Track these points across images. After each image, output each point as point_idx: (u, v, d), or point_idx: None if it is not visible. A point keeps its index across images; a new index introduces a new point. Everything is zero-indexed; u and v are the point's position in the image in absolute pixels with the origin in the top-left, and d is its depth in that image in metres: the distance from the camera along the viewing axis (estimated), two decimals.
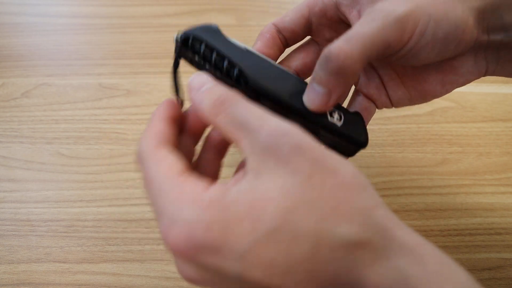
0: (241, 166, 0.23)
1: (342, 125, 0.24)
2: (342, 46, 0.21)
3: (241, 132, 0.19)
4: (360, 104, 0.29)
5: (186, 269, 0.19)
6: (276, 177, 0.17)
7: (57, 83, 0.46)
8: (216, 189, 0.18)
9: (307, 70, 0.29)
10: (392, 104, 0.29)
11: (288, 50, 0.30)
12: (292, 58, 0.29)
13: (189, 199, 0.17)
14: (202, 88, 0.20)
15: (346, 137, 0.24)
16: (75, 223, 0.36)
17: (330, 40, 0.28)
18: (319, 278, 0.17)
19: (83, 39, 0.52)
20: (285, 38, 0.28)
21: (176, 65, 0.25)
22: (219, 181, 0.21)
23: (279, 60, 0.29)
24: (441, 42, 0.23)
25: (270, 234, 0.17)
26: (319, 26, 0.28)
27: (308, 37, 0.30)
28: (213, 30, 0.25)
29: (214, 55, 0.24)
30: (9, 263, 0.33)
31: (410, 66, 0.27)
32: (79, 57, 0.49)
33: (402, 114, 0.44)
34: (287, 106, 0.23)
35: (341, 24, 0.28)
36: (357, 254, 0.17)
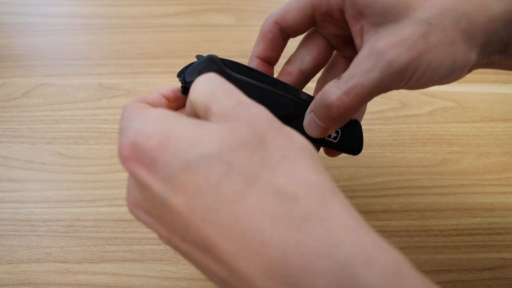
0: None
1: (338, 141, 0.27)
2: (343, 99, 0.23)
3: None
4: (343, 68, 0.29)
5: (130, 194, 0.20)
6: (232, 124, 0.18)
7: (57, 83, 0.46)
8: (169, 110, 0.19)
9: (318, 66, 0.29)
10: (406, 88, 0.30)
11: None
12: (301, 55, 0.29)
13: (141, 114, 0.19)
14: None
15: (341, 150, 0.28)
16: (75, 223, 0.36)
17: (337, 36, 0.28)
18: (242, 225, 0.16)
19: (83, 39, 0.52)
20: (288, 34, 0.28)
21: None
22: None
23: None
24: (436, 82, 0.24)
25: (203, 159, 0.16)
26: (324, 23, 0.27)
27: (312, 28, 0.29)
28: (212, 66, 0.25)
29: None
30: (9, 263, 0.33)
31: None
32: (79, 57, 0.49)
33: (402, 114, 0.44)
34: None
35: (347, 24, 0.27)
36: (290, 208, 0.16)
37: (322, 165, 0.19)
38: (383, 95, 0.45)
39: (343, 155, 0.41)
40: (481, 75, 0.46)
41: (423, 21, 0.22)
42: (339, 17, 0.26)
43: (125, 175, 0.39)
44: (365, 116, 0.43)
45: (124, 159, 0.18)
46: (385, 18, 0.23)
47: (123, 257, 0.34)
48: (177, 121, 0.18)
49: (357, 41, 0.25)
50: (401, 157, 0.41)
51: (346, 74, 0.23)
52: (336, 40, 0.28)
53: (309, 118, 0.25)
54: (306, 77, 0.29)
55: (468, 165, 0.40)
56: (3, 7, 0.55)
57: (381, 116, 0.44)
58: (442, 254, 0.34)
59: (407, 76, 0.23)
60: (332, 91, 0.23)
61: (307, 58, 0.28)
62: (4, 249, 0.34)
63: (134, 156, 0.17)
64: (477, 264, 0.34)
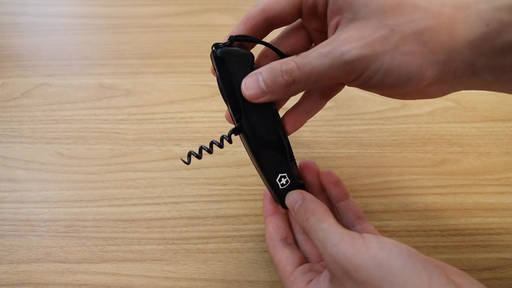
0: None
1: (281, 188, 0.30)
2: (294, 70, 0.24)
3: (320, 248, 0.25)
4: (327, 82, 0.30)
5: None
6: None
7: (57, 83, 0.46)
8: None
9: (294, 54, 0.29)
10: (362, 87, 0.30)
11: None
12: (280, 41, 0.30)
13: None
14: (294, 209, 0.28)
15: (277, 196, 0.30)
16: (75, 223, 0.36)
17: (317, 30, 0.29)
18: None
19: (83, 39, 0.52)
20: (272, 25, 0.28)
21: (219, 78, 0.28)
22: (313, 281, 0.26)
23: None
24: (391, 87, 0.24)
25: None
26: (309, 16, 0.28)
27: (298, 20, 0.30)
28: (244, 61, 0.27)
29: (234, 87, 0.27)
30: (9, 263, 0.33)
31: None
32: (79, 57, 0.49)
33: (402, 114, 0.44)
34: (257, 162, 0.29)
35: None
36: None
37: None
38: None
39: (343, 154, 0.41)
40: None
41: (387, 25, 0.23)
42: (322, 11, 0.27)
43: (125, 175, 0.39)
44: (365, 116, 0.44)
45: None
46: (357, 15, 0.24)
47: (123, 257, 0.34)
48: None
49: (329, 34, 0.26)
50: (401, 157, 0.41)
51: (305, 53, 0.24)
52: (316, 35, 0.29)
53: (252, 78, 0.25)
54: None
55: (468, 165, 0.40)
56: (3, 7, 0.55)
57: (381, 116, 0.44)
58: (442, 254, 0.34)
59: (357, 70, 0.23)
60: (288, 61, 0.24)
61: (285, 44, 0.30)
62: (4, 249, 0.34)
63: None
64: (477, 264, 0.34)
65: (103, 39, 0.51)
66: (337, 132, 0.42)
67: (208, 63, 0.48)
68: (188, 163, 0.28)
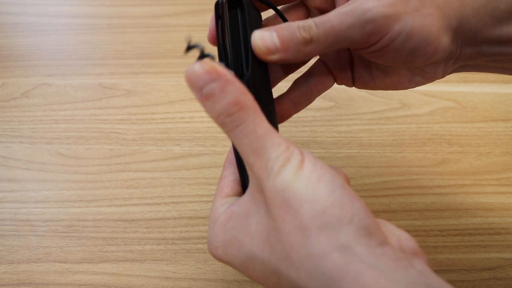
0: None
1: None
2: (312, 27, 0.22)
3: (254, 158, 0.19)
4: (319, 75, 0.29)
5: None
6: (260, 210, 0.20)
7: (57, 83, 0.46)
8: (226, 213, 0.22)
9: None
10: (354, 84, 0.29)
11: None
12: (279, 20, 0.29)
13: (212, 225, 0.23)
14: (206, 87, 0.18)
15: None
16: (75, 223, 0.36)
17: (319, 9, 0.28)
18: None
19: (83, 39, 0.52)
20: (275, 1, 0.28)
21: (221, 24, 0.25)
22: (231, 200, 0.23)
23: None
24: (409, 53, 0.24)
25: (247, 260, 0.21)
26: None
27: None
28: (258, 17, 0.25)
29: (241, 37, 0.24)
30: (9, 263, 0.33)
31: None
32: (79, 57, 0.49)
33: (402, 114, 0.44)
34: None
35: None
36: None
37: (338, 228, 0.18)
38: (383, 95, 0.45)
39: (343, 154, 0.41)
40: (481, 75, 0.46)
41: None
42: None
43: (125, 175, 0.39)
44: (365, 116, 0.44)
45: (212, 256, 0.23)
46: None
47: (123, 257, 0.34)
48: (229, 229, 0.21)
49: (339, 3, 0.26)
50: (401, 157, 0.41)
51: (323, 15, 0.23)
52: (317, 14, 0.28)
53: (265, 33, 0.23)
54: None
55: (468, 165, 0.40)
56: (3, 7, 0.55)
57: (381, 116, 0.43)
58: (442, 254, 0.34)
59: (380, 31, 0.22)
60: (307, 20, 0.23)
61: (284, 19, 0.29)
62: (4, 249, 0.34)
63: (216, 257, 0.23)
64: (477, 264, 0.34)
65: (103, 39, 0.51)
66: (337, 132, 0.42)
67: None
68: (186, 51, 0.24)
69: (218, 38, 0.24)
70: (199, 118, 0.43)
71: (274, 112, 0.26)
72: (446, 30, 0.23)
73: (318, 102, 0.45)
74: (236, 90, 0.18)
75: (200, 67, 0.18)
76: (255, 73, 0.23)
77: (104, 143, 0.41)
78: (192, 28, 0.53)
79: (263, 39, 0.23)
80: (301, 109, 0.29)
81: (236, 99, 0.18)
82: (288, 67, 0.30)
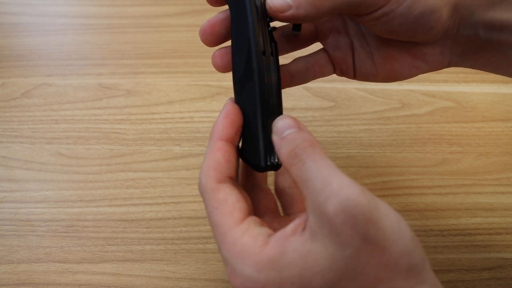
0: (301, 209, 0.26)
1: (268, 141, 0.23)
2: None
3: (306, 189, 0.19)
4: (318, 61, 0.29)
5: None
6: (328, 246, 0.18)
7: (57, 83, 0.46)
8: (274, 247, 0.19)
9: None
10: (355, 75, 0.29)
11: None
12: None
13: (250, 257, 0.19)
14: (284, 133, 0.21)
15: (256, 142, 0.24)
16: (75, 223, 0.36)
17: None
18: None
19: (83, 39, 0.52)
20: None
21: None
22: (277, 234, 0.20)
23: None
24: (414, 20, 0.24)
25: None
26: None
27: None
28: None
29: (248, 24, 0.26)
30: (9, 263, 0.33)
31: (381, 38, 0.27)
32: (79, 57, 0.49)
33: (402, 114, 0.44)
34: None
35: None
36: None
37: (419, 270, 0.19)
38: (383, 95, 0.45)
39: (343, 154, 0.41)
40: (481, 75, 0.46)
41: None
42: None
43: (125, 175, 0.39)
44: (365, 116, 0.44)
45: None
46: None
47: (123, 257, 0.34)
48: (286, 265, 0.19)
49: None
50: (401, 157, 0.41)
51: None
52: None
53: None
54: None
55: (468, 165, 0.40)
56: (3, 7, 0.55)
57: (381, 116, 0.44)
58: (442, 254, 0.34)
59: None
60: None
61: None
62: (4, 249, 0.34)
63: None
64: (477, 264, 0.34)
65: (103, 39, 0.51)
66: (337, 132, 0.42)
67: (208, 63, 0.48)
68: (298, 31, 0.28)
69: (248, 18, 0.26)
70: (199, 118, 0.43)
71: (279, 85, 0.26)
72: (446, 4, 0.24)
73: (318, 102, 0.45)
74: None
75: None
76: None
77: (104, 143, 0.41)
78: (192, 28, 0.53)
79: (278, 1, 0.24)
80: (296, 84, 0.30)
81: (307, 138, 0.21)
82: (294, 43, 0.30)
